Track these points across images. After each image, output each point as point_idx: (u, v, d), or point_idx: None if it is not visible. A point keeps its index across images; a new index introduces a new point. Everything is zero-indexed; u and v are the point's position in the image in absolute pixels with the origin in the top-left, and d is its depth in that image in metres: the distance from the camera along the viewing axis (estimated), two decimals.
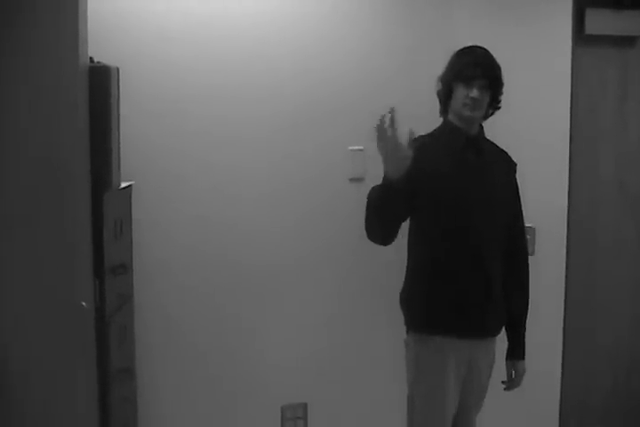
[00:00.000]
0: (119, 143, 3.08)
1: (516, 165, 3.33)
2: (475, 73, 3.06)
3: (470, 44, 3.88)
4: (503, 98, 3.96)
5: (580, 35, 4.11)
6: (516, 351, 3.28)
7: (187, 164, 3.77)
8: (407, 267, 3.26)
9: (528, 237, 4.03)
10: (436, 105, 3.97)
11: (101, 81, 2.85)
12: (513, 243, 3.25)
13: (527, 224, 3.99)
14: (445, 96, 3.19)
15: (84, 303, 2.66)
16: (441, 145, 3.14)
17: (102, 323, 2.90)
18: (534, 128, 4.06)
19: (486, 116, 3.21)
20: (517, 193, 3.32)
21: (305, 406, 3.98)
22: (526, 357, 4.01)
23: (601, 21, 4.11)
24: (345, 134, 3.90)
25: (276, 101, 3.81)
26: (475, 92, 3.05)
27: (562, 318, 4.17)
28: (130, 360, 3.45)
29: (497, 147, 3.32)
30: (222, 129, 3.75)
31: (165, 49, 3.70)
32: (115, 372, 3.06)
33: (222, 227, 3.79)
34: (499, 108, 3.24)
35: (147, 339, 3.72)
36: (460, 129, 3.15)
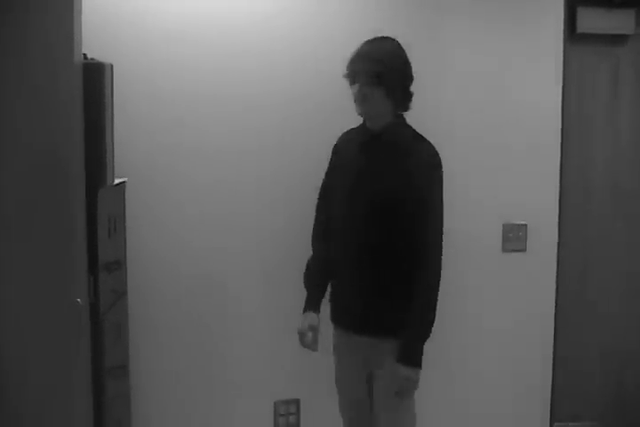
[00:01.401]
0: (113, 139, 3.08)
1: (432, 169, 3.04)
2: (351, 68, 3.06)
3: (463, 41, 3.93)
4: (495, 96, 4.02)
5: (572, 33, 4.13)
6: (400, 355, 3.01)
7: (180, 160, 3.77)
8: None
9: (519, 234, 4.09)
10: (429, 103, 4.01)
11: (95, 77, 2.84)
12: (413, 255, 3.01)
13: (520, 221, 4.06)
14: None
15: (78, 300, 2.66)
16: (351, 141, 3.21)
17: (97, 320, 2.90)
18: (526, 126, 4.08)
19: (401, 109, 3.12)
20: (422, 201, 3.01)
21: (298, 401, 3.99)
22: (518, 353, 4.07)
23: (592, 20, 4.13)
24: (339, 131, 3.90)
25: (272, 100, 3.80)
26: (355, 88, 3.05)
27: (553, 314, 4.19)
28: (124, 357, 3.45)
29: (415, 145, 3.09)
30: (216, 126, 3.76)
31: (159, 46, 3.70)
32: (109, 368, 3.06)
33: (216, 223, 3.80)
34: (409, 98, 3.12)
35: (140, 335, 3.72)
36: (364, 125, 3.16)
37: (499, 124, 4.05)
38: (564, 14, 4.08)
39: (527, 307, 4.14)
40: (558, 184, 4.14)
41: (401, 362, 3.00)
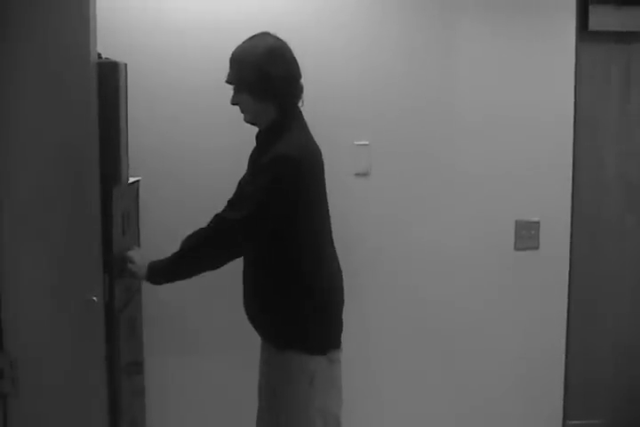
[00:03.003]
0: (127, 138, 3.10)
1: (263, 169, 2.89)
2: None
3: (473, 39, 3.91)
4: (507, 93, 4.03)
5: (584, 31, 4.12)
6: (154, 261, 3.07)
7: (194, 158, 3.81)
8: None
9: (532, 232, 4.09)
10: (439, 100, 4.01)
11: (110, 77, 2.85)
12: (269, 257, 3.01)
13: (533, 219, 4.06)
14: None
15: (94, 298, 2.68)
16: None
17: (112, 317, 2.91)
18: (538, 123, 4.07)
19: (286, 108, 2.99)
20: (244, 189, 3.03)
21: None
22: (530, 351, 4.10)
23: (604, 17, 4.12)
24: (350, 129, 3.92)
25: None
26: None
27: (565, 312, 4.19)
28: (138, 354, 3.47)
29: (268, 149, 2.92)
30: (228, 124, 3.77)
31: (173, 45, 3.74)
32: (124, 365, 3.08)
33: None
34: (284, 98, 2.98)
35: (154, 332, 3.74)
36: None
37: (511, 122, 4.05)
38: (576, 12, 4.07)
39: (540, 305, 4.14)
40: (571, 181, 4.14)
41: (150, 264, 3.03)
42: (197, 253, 2.98)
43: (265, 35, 3.00)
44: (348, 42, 3.89)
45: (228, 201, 2.98)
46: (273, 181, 2.84)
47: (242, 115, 3.06)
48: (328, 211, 3.10)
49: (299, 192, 2.88)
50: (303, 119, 3.07)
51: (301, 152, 2.90)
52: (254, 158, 3.08)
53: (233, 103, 3.02)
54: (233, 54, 2.98)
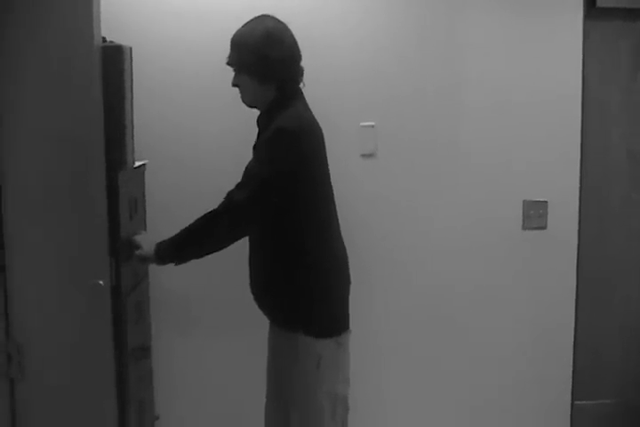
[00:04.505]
0: (133, 122, 3.08)
1: (267, 142, 2.93)
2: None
3: (479, 18, 3.87)
4: (513, 73, 4.00)
5: (592, 8, 4.08)
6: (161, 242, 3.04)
7: (200, 142, 3.79)
8: None
9: (540, 211, 4.08)
10: (447, 80, 3.99)
11: (114, 60, 2.84)
12: (274, 236, 3.01)
13: (540, 198, 4.04)
14: None
15: (101, 282, 2.68)
16: None
17: (119, 301, 2.91)
18: (546, 102, 4.04)
19: (286, 88, 3.01)
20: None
21: None
22: (538, 332, 4.08)
23: None
24: (356, 110, 3.90)
25: None
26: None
27: (574, 292, 4.18)
28: (146, 338, 3.47)
29: (272, 126, 2.93)
30: (234, 107, 3.74)
31: (177, 29, 3.73)
32: (131, 350, 3.08)
33: None
34: (286, 78, 3.01)
35: (162, 317, 3.74)
36: None
37: (518, 101, 4.02)
38: None
39: (548, 285, 4.13)
40: (579, 161, 4.11)
41: (156, 245, 3.00)
42: (202, 234, 2.99)
43: (264, 17, 3.02)
44: (356, 24, 3.86)
45: (237, 184, 2.97)
46: (273, 156, 2.89)
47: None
48: (332, 189, 3.09)
49: (299, 165, 2.89)
50: (304, 99, 3.08)
51: (300, 125, 2.93)
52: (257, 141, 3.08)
53: (234, 84, 3.04)
54: (233, 37, 3.01)
